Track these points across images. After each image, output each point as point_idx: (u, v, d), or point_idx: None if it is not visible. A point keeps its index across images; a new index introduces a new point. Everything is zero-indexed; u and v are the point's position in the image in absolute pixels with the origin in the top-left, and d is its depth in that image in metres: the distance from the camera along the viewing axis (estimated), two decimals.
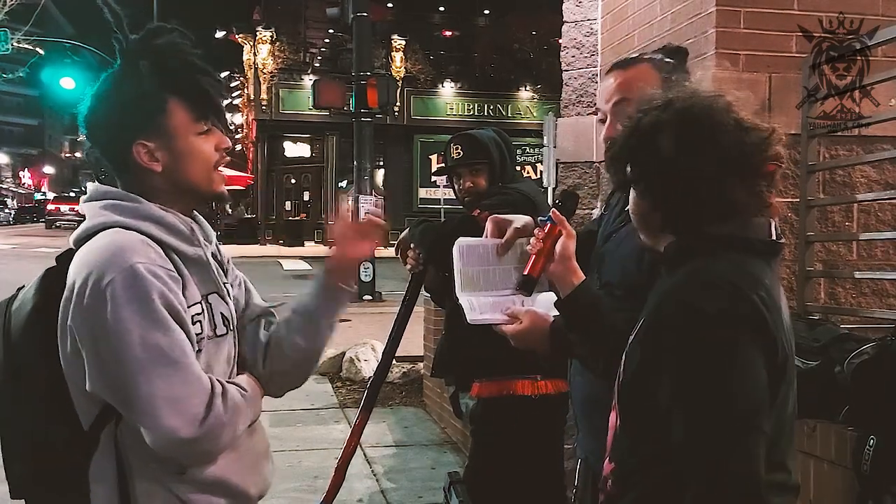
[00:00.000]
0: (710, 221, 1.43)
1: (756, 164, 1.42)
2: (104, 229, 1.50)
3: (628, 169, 1.49)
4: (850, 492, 2.31)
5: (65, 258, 1.53)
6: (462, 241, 2.03)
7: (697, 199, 1.41)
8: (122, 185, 1.58)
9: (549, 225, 1.80)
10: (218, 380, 1.51)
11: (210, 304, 1.59)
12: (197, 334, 1.52)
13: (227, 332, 1.62)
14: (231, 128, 35.18)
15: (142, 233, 1.49)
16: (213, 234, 1.69)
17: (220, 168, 1.63)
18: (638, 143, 1.45)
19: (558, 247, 1.77)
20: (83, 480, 1.49)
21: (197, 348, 1.51)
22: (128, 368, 1.40)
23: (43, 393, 1.50)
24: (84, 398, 1.48)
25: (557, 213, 1.81)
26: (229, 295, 1.67)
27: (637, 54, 2.09)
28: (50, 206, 42.31)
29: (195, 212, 1.66)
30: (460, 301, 1.95)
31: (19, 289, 1.63)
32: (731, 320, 1.30)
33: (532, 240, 1.84)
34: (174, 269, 1.49)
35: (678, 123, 1.42)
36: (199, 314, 1.53)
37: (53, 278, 1.52)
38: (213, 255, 1.66)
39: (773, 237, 1.47)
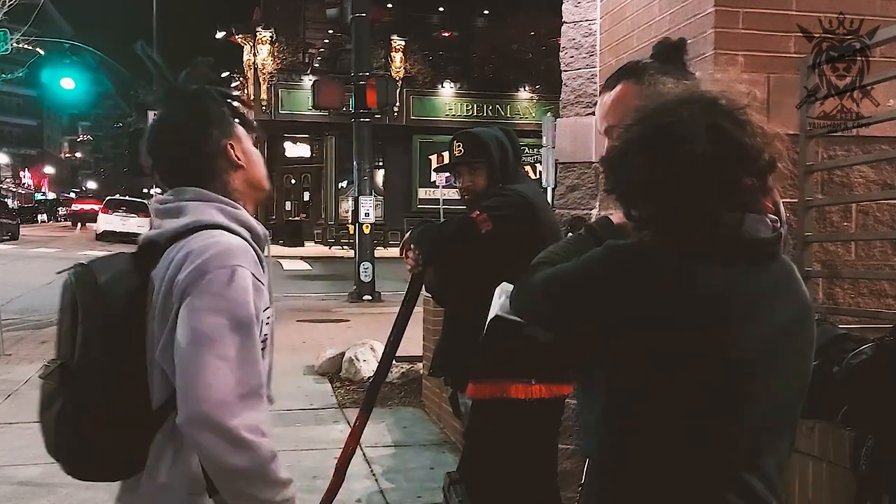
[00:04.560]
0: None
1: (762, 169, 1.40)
2: (211, 228, 1.65)
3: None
4: (848, 492, 2.32)
5: (156, 246, 1.66)
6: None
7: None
8: (209, 189, 1.73)
9: None
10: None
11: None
12: (265, 335, 1.67)
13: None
14: None
15: (241, 237, 1.67)
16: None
17: None
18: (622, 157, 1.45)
19: None
20: (144, 455, 1.62)
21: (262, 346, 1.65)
22: (194, 348, 1.52)
23: (130, 370, 1.62)
24: (159, 380, 1.60)
25: None
26: None
27: (624, 65, 2.06)
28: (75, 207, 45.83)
29: None
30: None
31: (87, 262, 1.67)
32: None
33: None
34: (262, 276, 1.66)
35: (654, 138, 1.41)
36: (269, 317, 1.69)
37: (150, 261, 1.64)
38: None
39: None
